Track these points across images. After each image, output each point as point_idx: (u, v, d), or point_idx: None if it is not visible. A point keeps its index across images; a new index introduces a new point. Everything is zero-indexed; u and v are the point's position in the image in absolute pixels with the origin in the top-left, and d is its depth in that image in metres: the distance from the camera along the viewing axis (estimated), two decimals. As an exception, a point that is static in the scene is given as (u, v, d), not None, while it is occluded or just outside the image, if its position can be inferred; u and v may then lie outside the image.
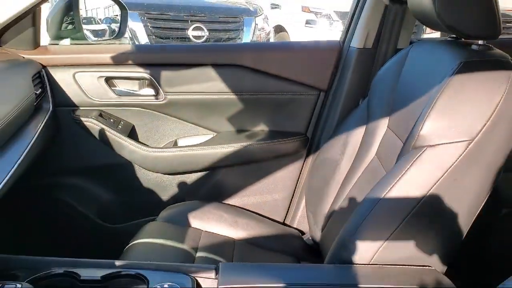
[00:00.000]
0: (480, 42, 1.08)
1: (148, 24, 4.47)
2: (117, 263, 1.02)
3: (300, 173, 1.74)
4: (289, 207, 1.77)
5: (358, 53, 1.61)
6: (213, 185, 1.73)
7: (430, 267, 1.02)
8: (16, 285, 0.84)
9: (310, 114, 1.71)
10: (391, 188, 0.99)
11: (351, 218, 1.07)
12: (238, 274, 0.97)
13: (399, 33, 1.58)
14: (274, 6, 6.55)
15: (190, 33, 4.53)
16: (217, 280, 0.95)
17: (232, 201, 1.74)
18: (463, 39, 1.14)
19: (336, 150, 1.46)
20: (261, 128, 1.73)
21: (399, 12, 1.55)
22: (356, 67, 1.61)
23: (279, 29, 6.23)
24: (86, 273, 0.99)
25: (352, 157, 1.40)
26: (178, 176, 1.72)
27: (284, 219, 1.78)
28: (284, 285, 0.92)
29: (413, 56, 1.27)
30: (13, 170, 1.17)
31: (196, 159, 1.68)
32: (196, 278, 0.97)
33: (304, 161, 1.74)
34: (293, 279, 0.95)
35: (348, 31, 1.68)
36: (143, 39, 4.37)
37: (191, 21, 4.58)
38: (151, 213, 1.62)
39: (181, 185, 1.73)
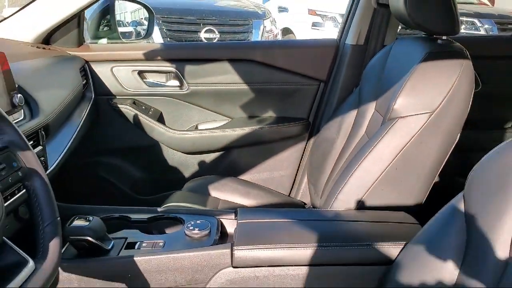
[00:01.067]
0: (444, 37, 1.36)
1: (163, 27, 4.77)
2: (159, 209, 1.31)
3: (303, 152, 2.02)
4: (293, 182, 2.05)
5: (352, 49, 1.90)
6: (228, 163, 2.01)
7: (403, 212, 1.30)
8: (88, 217, 1.12)
9: (311, 101, 1.99)
10: (370, 151, 1.28)
11: (339, 177, 1.36)
12: (253, 215, 1.26)
13: (386, 31, 1.86)
14: (282, 9, 6.83)
15: (202, 35, 4.81)
16: (236, 220, 1.23)
17: (244, 177, 2.02)
18: (431, 35, 1.42)
19: (333, 131, 1.73)
20: (269, 114, 2.02)
21: (385, 14, 1.83)
22: (350, 60, 1.89)
23: (286, 31, 6.51)
24: (136, 217, 1.28)
25: (346, 135, 1.67)
26: (199, 155, 2.01)
27: (290, 193, 2.06)
28: (290, 220, 1.21)
29: (395, 50, 1.55)
30: (65, 150, 1.44)
31: (214, 141, 1.96)
32: (220, 219, 1.25)
33: (307, 142, 2.02)
34: (297, 217, 1.24)
35: (343, 30, 1.96)
36: (159, 40, 4.68)
37: (203, 24, 4.87)
38: (176, 187, 1.90)
39: (201, 163, 2.02)
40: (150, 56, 1.89)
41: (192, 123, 2.01)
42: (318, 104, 1.99)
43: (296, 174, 2.04)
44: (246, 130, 1.95)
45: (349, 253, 1.11)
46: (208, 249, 1.08)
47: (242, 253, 1.07)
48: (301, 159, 2.03)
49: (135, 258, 1.07)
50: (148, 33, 2.16)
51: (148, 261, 1.07)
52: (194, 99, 1.96)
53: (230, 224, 1.25)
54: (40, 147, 1.25)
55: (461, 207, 0.85)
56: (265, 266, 1.08)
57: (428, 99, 1.24)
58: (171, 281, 1.07)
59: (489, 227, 0.77)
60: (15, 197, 0.88)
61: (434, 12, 1.31)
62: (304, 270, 1.08)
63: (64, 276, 1.07)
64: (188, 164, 2.02)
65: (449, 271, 0.83)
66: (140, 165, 2.00)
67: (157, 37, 4.72)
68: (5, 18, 1.72)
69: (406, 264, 0.95)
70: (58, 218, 0.86)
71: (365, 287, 1.09)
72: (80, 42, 1.89)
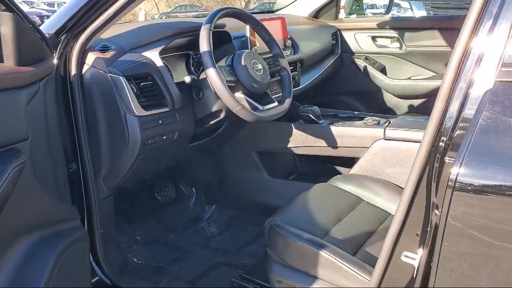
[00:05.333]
0: None
1: (431, 12, 5.58)
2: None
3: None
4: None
5: None
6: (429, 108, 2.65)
7: None
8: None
9: None
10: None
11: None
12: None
13: None
14: None
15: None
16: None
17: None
18: None
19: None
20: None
21: None
22: None
23: None
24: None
25: None
26: (408, 100, 2.71)
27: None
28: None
29: None
30: (312, 79, 2.41)
31: (420, 88, 2.62)
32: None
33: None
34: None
35: None
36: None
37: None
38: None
39: (410, 106, 2.72)
40: (380, 26, 2.70)
41: (406, 76, 2.72)
42: None
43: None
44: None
45: None
46: (373, 127, 1.86)
47: (391, 131, 1.81)
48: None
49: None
50: (388, 10, 2.97)
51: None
52: (409, 57, 2.67)
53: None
54: (296, 72, 2.25)
55: None
56: (406, 141, 1.76)
57: None
58: (349, 143, 1.90)
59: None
60: (275, 78, 1.87)
61: None
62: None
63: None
64: (399, 106, 2.74)
65: None
66: (365, 105, 2.82)
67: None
68: (292, 2, 2.82)
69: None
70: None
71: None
72: (337, 16, 2.85)
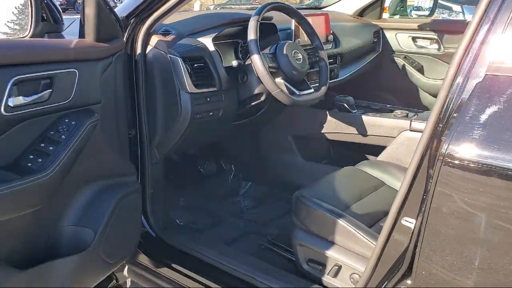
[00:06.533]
0: None
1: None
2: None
3: None
4: None
5: None
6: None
7: None
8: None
9: None
10: None
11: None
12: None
13: None
14: None
15: None
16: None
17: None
18: None
19: None
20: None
21: None
22: None
23: None
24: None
25: None
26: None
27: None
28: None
29: None
30: (352, 72, 2.57)
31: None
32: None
33: None
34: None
35: None
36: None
37: None
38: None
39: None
40: (421, 27, 2.82)
41: (442, 76, 2.83)
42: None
43: None
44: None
45: None
46: (401, 119, 2.03)
47: (416, 123, 1.96)
48: None
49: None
50: (431, 12, 3.08)
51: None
52: (447, 58, 2.78)
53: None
54: (335, 65, 2.43)
55: None
56: None
57: None
58: (377, 132, 2.06)
59: None
60: (314, 69, 2.06)
61: None
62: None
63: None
64: (433, 105, 2.85)
65: None
66: (400, 101, 2.95)
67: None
68: (339, 0, 2.98)
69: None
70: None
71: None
72: (380, 16, 2.99)
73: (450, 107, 1.04)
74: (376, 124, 2.07)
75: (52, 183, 1.23)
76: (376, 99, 2.87)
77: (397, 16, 3.10)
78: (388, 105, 2.25)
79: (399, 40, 2.89)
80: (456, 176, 0.98)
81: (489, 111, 0.96)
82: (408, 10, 3.12)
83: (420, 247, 1.10)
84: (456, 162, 0.97)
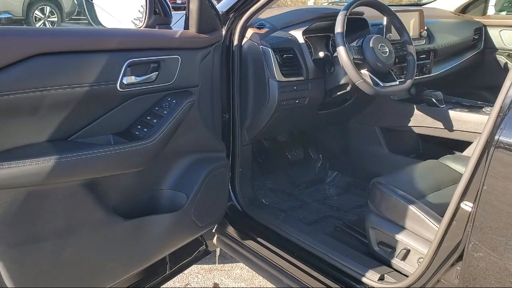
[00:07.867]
0: None
1: None
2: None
3: None
4: None
5: None
6: None
7: None
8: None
9: None
10: None
11: None
12: None
13: None
14: None
15: None
16: None
17: None
18: None
19: None
20: None
21: None
22: None
23: None
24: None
25: None
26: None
27: None
28: None
29: None
30: (445, 69, 2.55)
31: None
32: None
33: None
34: None
35: None
36: None
37: None
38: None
39: None
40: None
41: None
42: None
43: None
44: None
45: None
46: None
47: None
48: None
49: None
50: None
51: None
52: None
53: None
54: (427, 61, 2.43)
55: None
56: None
57: None
58: (464, 127, 2.05)
59: None
60: (402, 64, 2.10)
61: None
62: None
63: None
64: None
65: None
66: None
67: None
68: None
69: None
70: None
71: None
72: (484, 13, 2.91)
73: (506, 103, 1.10)
74: (462, 119, 2.06)
75: (154, 149, 1.47)
76: (474, 98, 2.80)
77: (503, 13, 2.98)
78: (479, 102, 2.21)
79: (503, 38, 2.79)
80: (506, 160, 1.03)
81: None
82: (517, 6, 2.98)
83: (471, 227, 1.15)
84: (508, 147, 1.02)
